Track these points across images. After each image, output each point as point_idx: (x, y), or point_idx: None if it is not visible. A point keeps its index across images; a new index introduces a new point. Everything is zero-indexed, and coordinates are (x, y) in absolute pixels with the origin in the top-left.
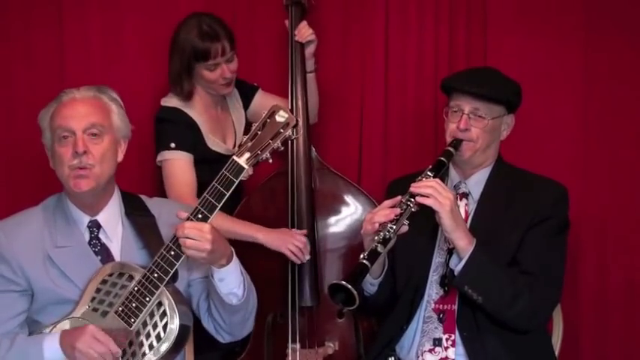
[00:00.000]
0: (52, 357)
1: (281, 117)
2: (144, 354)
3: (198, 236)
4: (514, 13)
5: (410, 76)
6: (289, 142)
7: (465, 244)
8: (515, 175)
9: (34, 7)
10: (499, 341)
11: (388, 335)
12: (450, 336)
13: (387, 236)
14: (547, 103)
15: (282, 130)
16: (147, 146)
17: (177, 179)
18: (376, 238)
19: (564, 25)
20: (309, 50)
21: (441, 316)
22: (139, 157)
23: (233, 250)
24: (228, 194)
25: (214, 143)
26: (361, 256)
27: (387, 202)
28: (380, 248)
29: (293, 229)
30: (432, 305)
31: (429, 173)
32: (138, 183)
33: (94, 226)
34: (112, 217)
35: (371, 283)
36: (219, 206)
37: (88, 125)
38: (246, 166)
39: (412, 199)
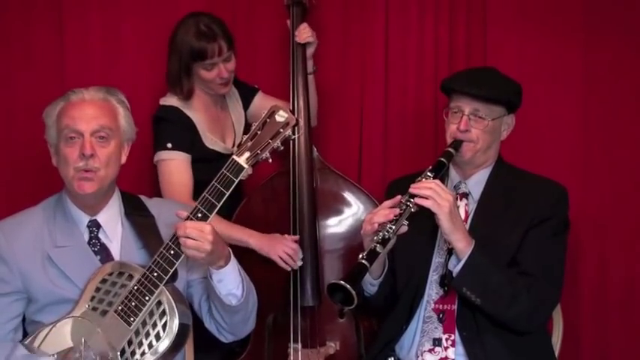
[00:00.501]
0: None
1: (281, 117)
2: (143, 353)
3: (199, 237)
4: (514, 13)
5: (410, 76)
6: (290, 141)
7: (464, 246)
8: (515, 175)
9: (34, 7)
10: (499, 341)
11: (388, 335)
12: (450, 336)
13: (386, 236)
14: (547, 103)
15: (281, 130)
16: (146, 146)
17: (173, 179)
18: (375, 238)
19: (564, 25)
20: (309, 52)
21: (441, 316)
22: (138, 157)
23: (231, 251)
24: (227, 193)
25: (212, 142)
26: (360, 256)
27: (387, 203)
28: (379, 248)
29: (285, 235)
30: (432, 305)
31: (429, 174)
32: (137, 183)
33: (94, 226)
34: (111, 217)
35: (371, 284)
36: (219, 205)
37: (97, 128)
38: (245, 166)
39: (411, 200)
